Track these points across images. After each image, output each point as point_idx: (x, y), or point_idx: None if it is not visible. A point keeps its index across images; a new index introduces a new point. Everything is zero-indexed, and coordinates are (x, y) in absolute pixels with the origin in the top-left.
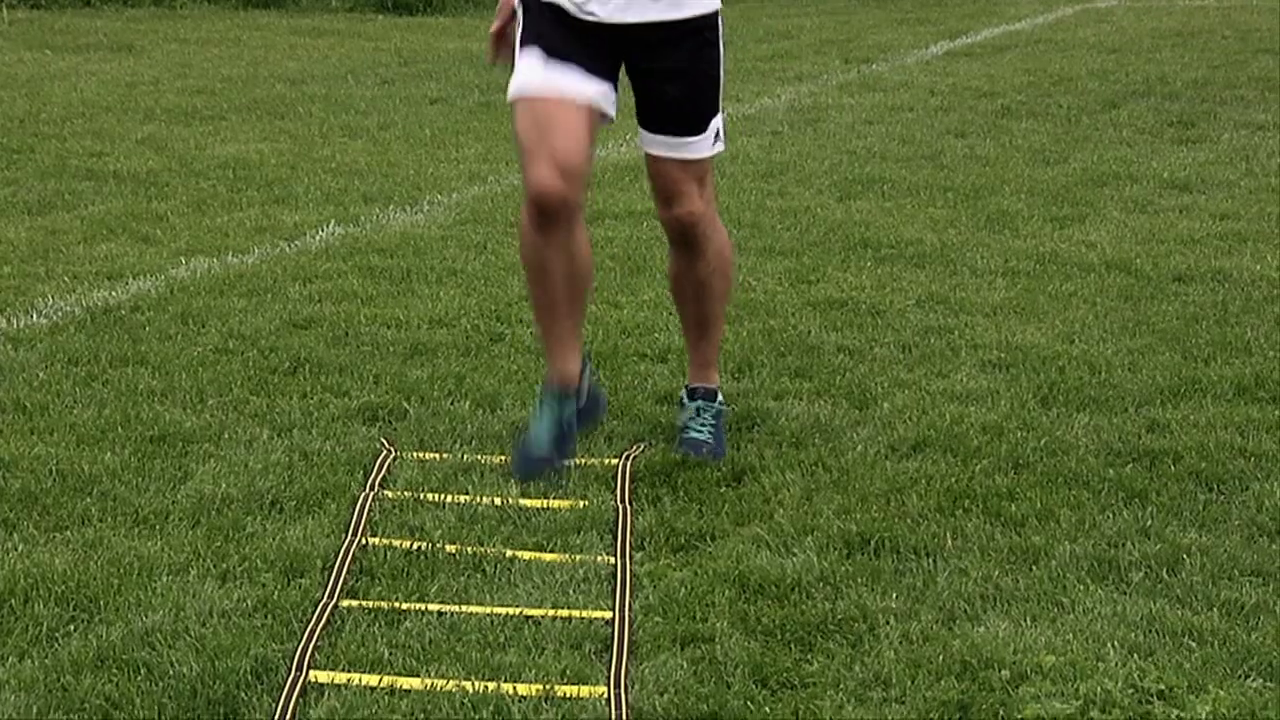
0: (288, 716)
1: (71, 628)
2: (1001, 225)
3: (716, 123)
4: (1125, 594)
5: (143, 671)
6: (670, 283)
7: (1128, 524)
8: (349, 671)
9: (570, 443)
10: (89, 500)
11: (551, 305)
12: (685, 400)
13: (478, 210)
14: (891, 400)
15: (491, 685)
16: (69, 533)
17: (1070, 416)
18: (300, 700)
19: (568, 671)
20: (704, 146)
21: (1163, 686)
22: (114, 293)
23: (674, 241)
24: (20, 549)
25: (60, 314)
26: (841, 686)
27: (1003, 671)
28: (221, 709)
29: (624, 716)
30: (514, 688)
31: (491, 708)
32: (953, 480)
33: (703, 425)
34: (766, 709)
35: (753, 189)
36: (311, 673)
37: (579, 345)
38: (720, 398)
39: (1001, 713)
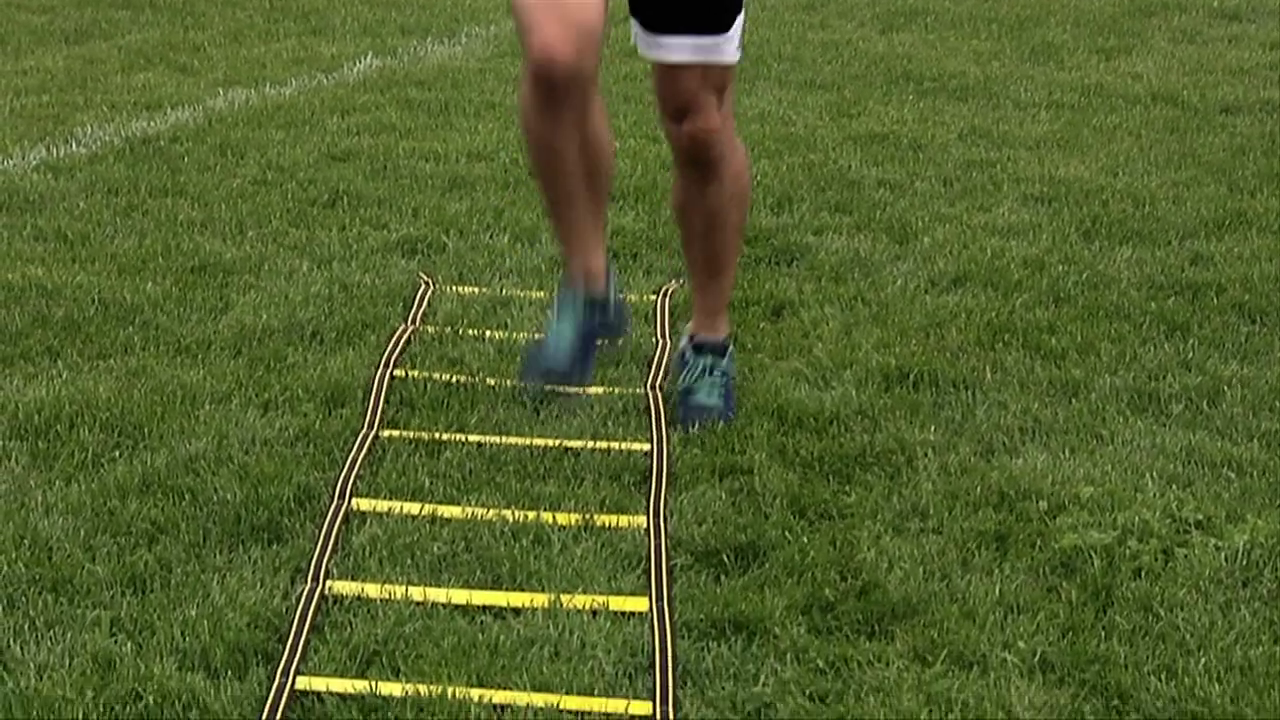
0: (330, 543)
1: (116, 454)
2: (1046, 57)
3: (740, 23)
4: (1165, 426)
5: (187, 497)
6: (675, 213)
7: (1169, 356)
8: (390, 500)
9: (591, 358)
10: (131, 329)
11: (566, 198)
12: (688, 355)
13: (515, 43)
14: (932, 235)
15: (531, 515)
16: (112, 361)
17: (1113, 250)
18: (343, 527)
19: (607, 502)
20: (729, 49)
21: (1201, 516)
22: (152, 123)
23: (683, 163)
24: (65, 376)
25: (99, 144)
26: (879, 517)
27: (1040, 502)
28: (265, 534)
29: (663, 546)
30: (553, 517)
31: (531, 536)
32: (993, 314)
33: (711, 387)
34: (804, 539)
35: (794, 21)
36: (353, 500)
37: (602, 241)
38: (731, 350)
39: (1039, 543)
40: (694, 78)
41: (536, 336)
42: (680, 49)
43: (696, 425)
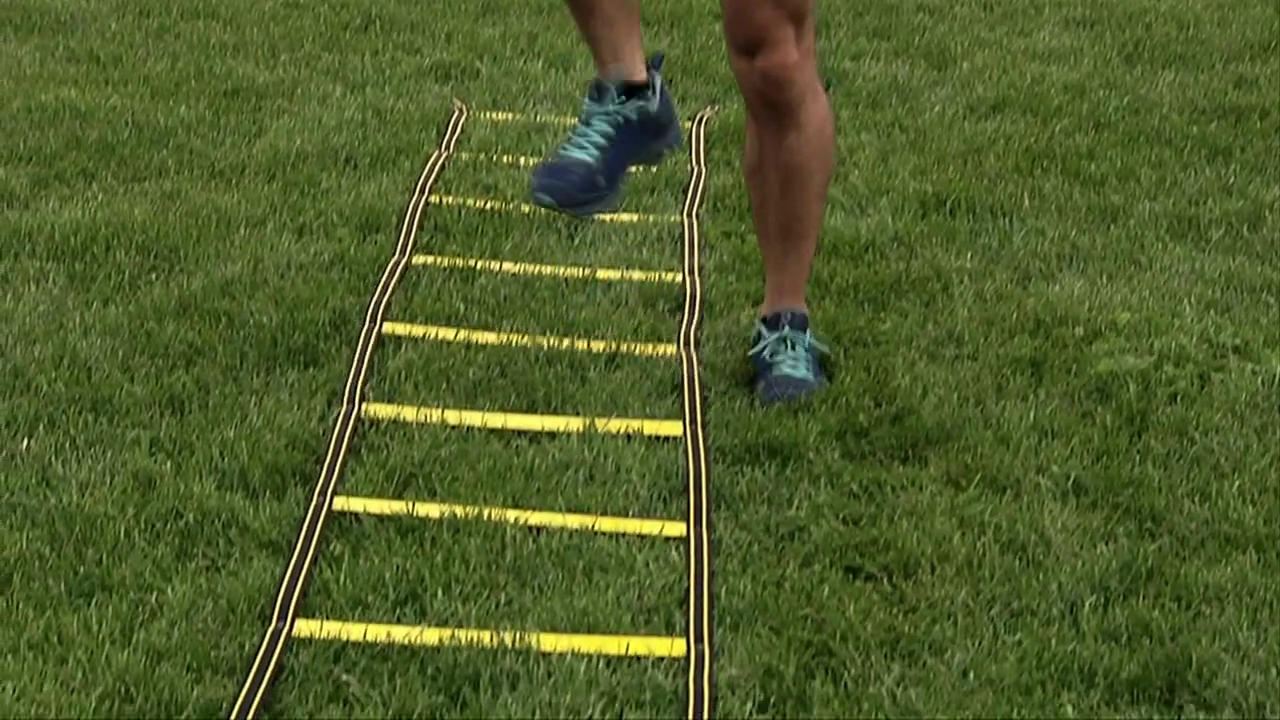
0: (365, 366)
1: (153, 276)
2: None
3: None
4: (1204, 251)
5: (224, 320)
6: (746, 173)
7: (1209, 181)
8: (425, 325)
9: (624, 162)
10: (165, 152)
11: (593, 5)
12: (764, 332)
13: None
14: (971, 60)
15: (565, 341)
16: (147, 184)
17: (1155, 74)
18: (378, 352)
19: (641, 329)
20: None
21: (1238, 341)
22: None
23: (757, 108)
24: (100, 198)
25: None
26: (914, 344)
27: (1076, 329)
28: (301, 358)
29: (696, 372)
30: (588, 344)
31: (566, 362)
32: (1032, 140)
33: (796, 358)
34: (839, 365)
35: None
36: (387, 325)
37: (639, 47)
38: (811, 326)
39: (1074, 369)
40: (766, 5)
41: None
42: None
43: (788, 396)
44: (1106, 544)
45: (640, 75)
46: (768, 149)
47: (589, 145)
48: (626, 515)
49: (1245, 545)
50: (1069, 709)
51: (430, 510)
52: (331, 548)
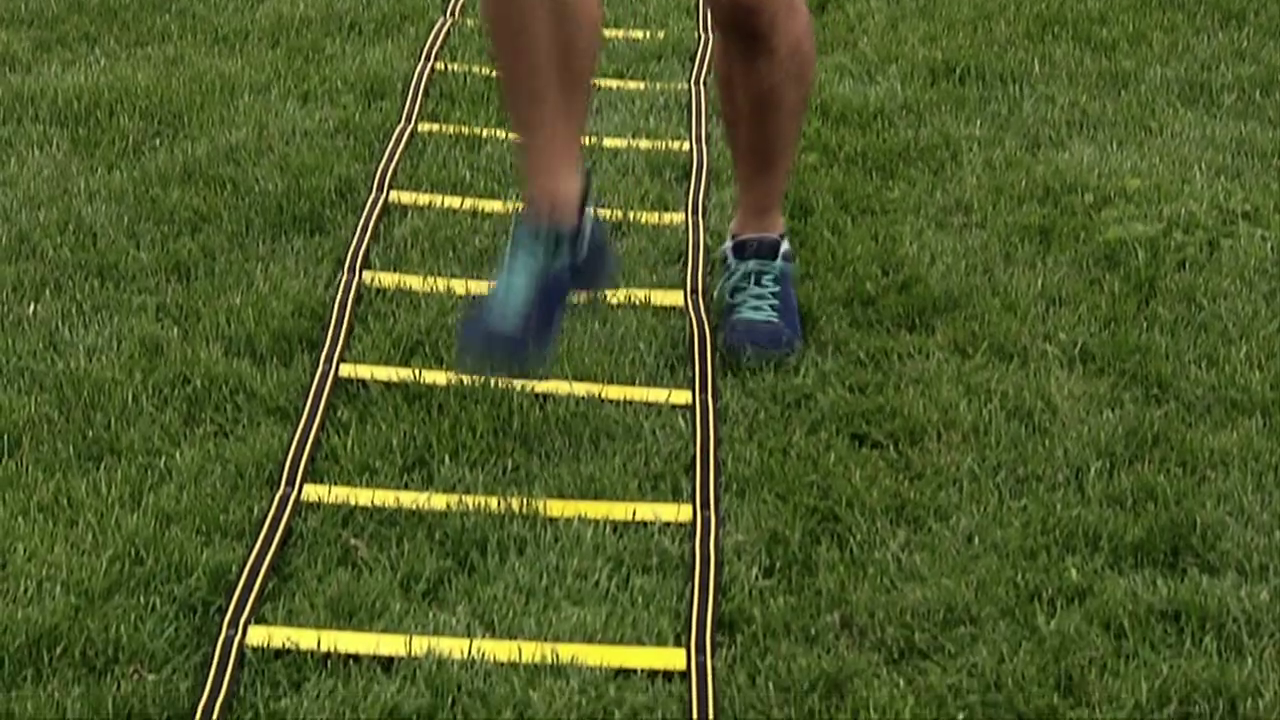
0: (371, 234)
1: (157, 142)
2: None
3: None
4: (1215, 117)
5: (229, 187)
6: (718, 89)
7: (1222, 46)
8: (430, 193)
9: (555, 317)
10: (168, 17)
11: (533, 91)
12: (730, 258)
13: None
14: None
15: None
16: (150, 49)
17: None
18: (384, 219)
19: (647, 197)
20: None
21: (1248, 207)
22: None
23: (725, 27)
24: (103, 63)
25: None
26: (922, 212)
27: (1086, 196)
28: (307, 225)
29: (702, 240)
30: (595, 213)
31: None
32: (1042, 5)
33: (760, 298)
34: (847, 234)
35: None
36: (393, 193)
37: (577, 155)
38: (785, 248)
39: (1083, 236)
40: None
41: (476, 293)
42: None
43: (747, 353)
44: (1113, 410)
45: (570, 219)
46: (740, 69)
47: (516, 287)
48: (633, 383)
49: (1251, 410)
50: (1073, 573)
51: (437, 377)
52: (339, 414)
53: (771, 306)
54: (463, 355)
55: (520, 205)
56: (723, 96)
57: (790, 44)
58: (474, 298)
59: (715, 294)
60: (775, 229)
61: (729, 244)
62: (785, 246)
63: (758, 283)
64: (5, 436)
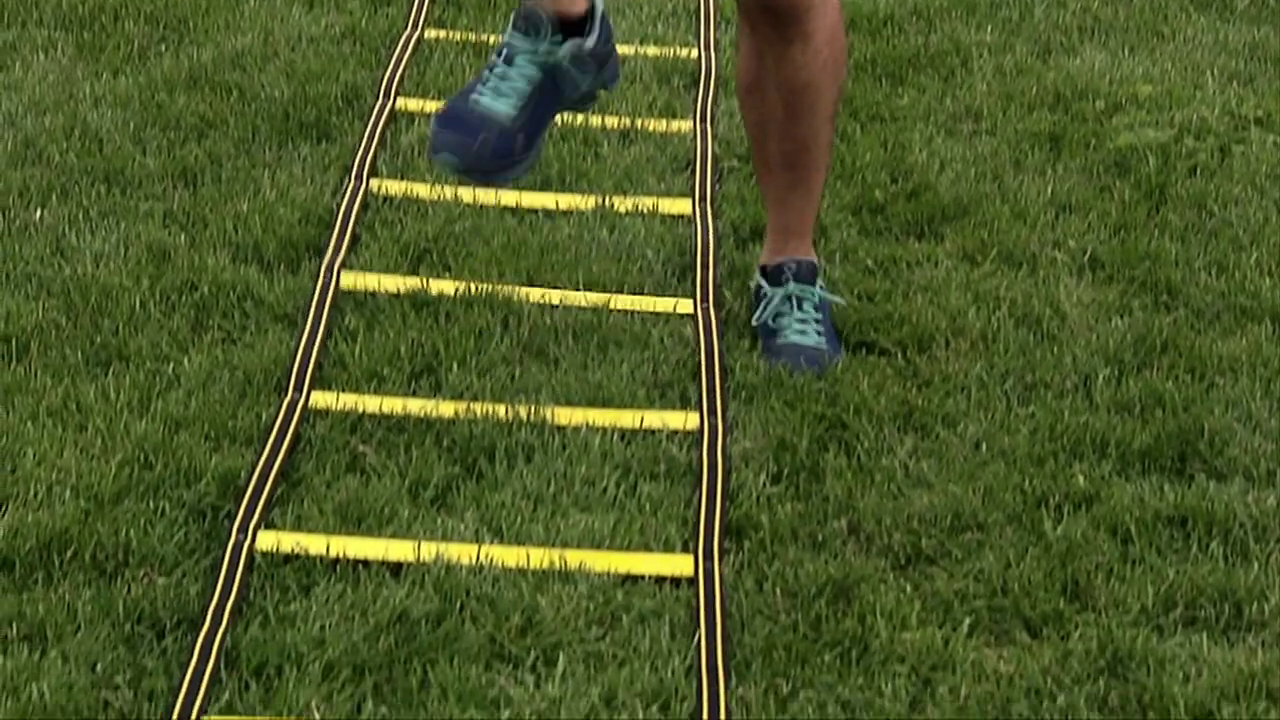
0: (376, 141)
1: (162, 47)
2: None
3: None
4: (1229, 22)
5: (235, 93)
6: (740, 91)
7: None
8: (437, 100)
9: (550, 115)
10: None
11: None
12: (764, 286)
13: None
14: None
15: (579, 117)
16: None
17: None
18: (390, 126)
19: (655, 104)
20: None
21: (1260, 113)
22: None
23: (754, 17)
24: None
25: None
26: (932, 119)
27: (1097, 102)
28: (314, 132)
29: (709, 147)
30: (602, 120)
31: (580, 139)
32: None
33: (804, 322)
34: (856, 142)
35: None
36: (400, 100)
37: None
38: (821, 278)
39: (1093, 143)
40: None
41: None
42: None
43: (798, 367)
44: (1122, 317)
45: (579, 5)
46: (769, 64)
47: (510, 94)
48: (641, 291)
49: (1261, 317)
50: (1080, 479)
51: (445, 286)
52: (347, 321)
53: (818, 332)
54: (436, 146)
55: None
56: (748, 105)
57: (828, 29)
58: (464, 90)
59: (754, 323)
60: (810, 255)
61: (759, 275)
62: (821, 282)
63: (799, 307)
64: (13, 342)
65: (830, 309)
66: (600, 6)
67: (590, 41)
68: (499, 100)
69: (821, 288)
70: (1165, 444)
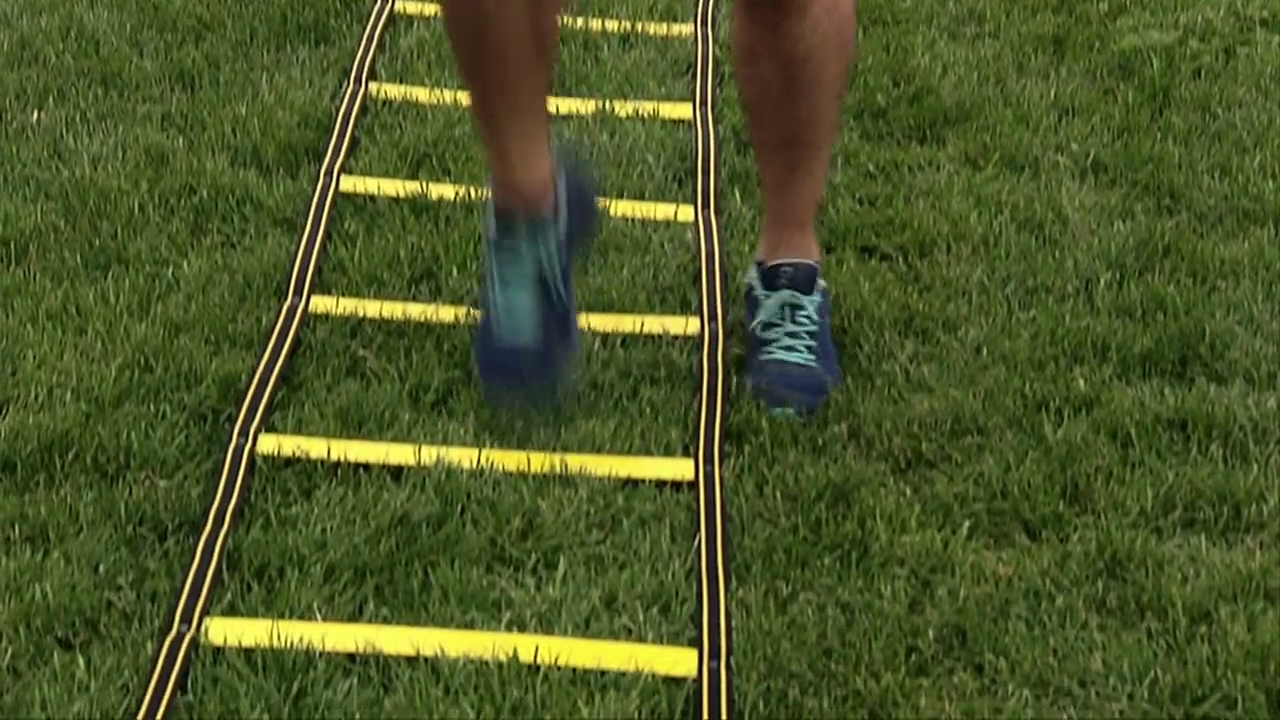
0: (374, 41)
1: None
2: None
3: None
4: None
5: None
6: (737, 60)
7: None
8: (436, 2)
9: (568, 303)
10: None
11: (502, 88)
12: (757, 288)
13: None
14: None
15: (579, 20)
16: None
17: None
18: (389, 30)
19: (656, 6)
20: None
21: (1265, 14)
22: None
23: None
24: None
25: None
26: (935, 22)
27: (1101, 4)
28: (312, 35)
29: (710, 51)
30: (602, 23)
31: (580, 42)
32: None
33: (794, 336)
34: (858, 42)
35: None
36: (399, 2)
37: (547, 136)
38: (822, 283)
39: (1097, 45)
40: None
41: (474, 316)
42: None
43: (786, 407)
44: (1124, 221)
45: (548, 199)
46: (762, 35)
47: (525, 303)
48: (642, 197)
49: (1264, 220)
50: (1080, 383)
51: (444, 190)
52: (346, 226)
53: (807, 347)
54: (492, 392)
55: (487, 203)
56: (743, 75)
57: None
58: (475, 330)
59: (745, 331)
60: (811, 254)
61: (754, 272)
62: (822, 283)
63: (793, 319)
64: (12, 244)
65: (830, 321)
66: (562, 188)
67: (563, 224)
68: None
69: (821, 294)
70: (1166, 347)
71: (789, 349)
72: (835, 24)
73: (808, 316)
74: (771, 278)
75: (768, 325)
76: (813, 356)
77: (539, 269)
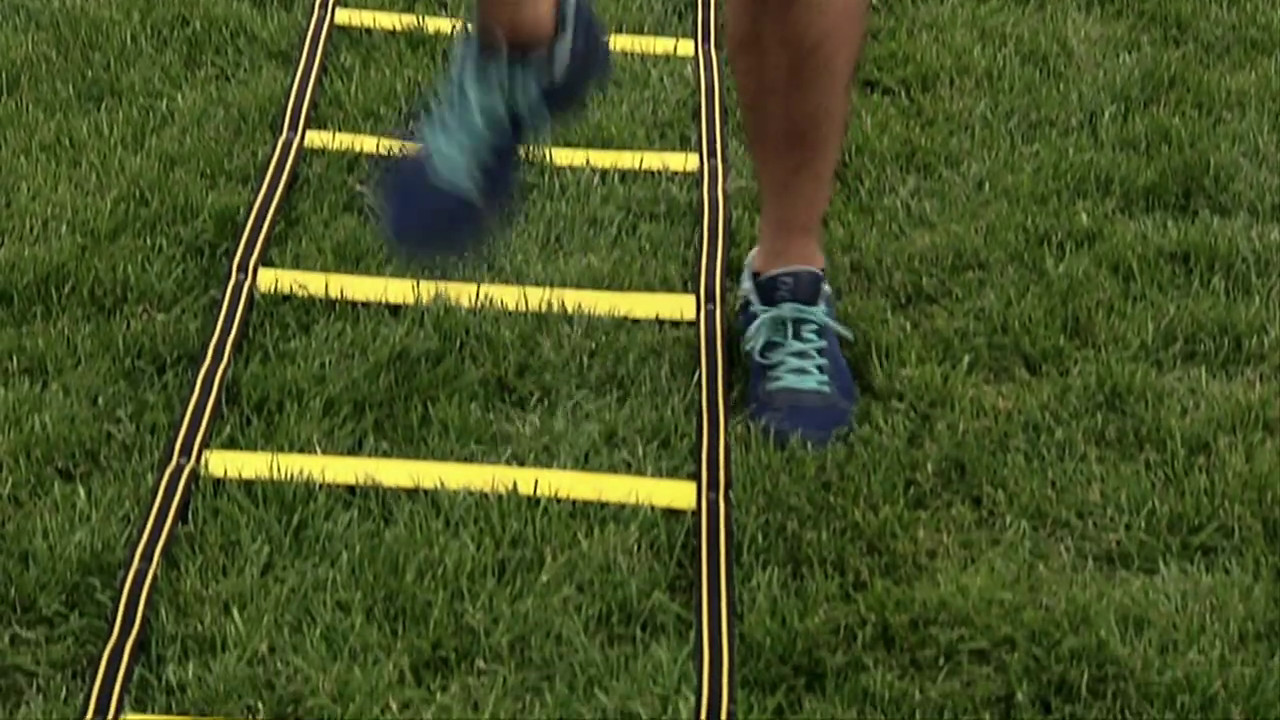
0: None
1: None
2: None
3: None
4: None
5: None
6: (737, 57)
7: None
8: None
9: (509, 176)
10: None
11: None
12: (754, 302)
13: None
14: None
15: None
16: None
17: None
18: None
19: None
20: None
21: None
22: None
23: None
24: None
25: None
26: None
27: None
28: None
29: None
30: None
31: None
32: None
33: (802, 357)
34: None
35: None
36: None
37: None
38: (827, 289)
39: None
40: None
41: (405, 145)
42: None
43: (796, 435)
44: (1129, 53)
45: (545, 28)
46: (766, 20)
47: (461, 137)
48: (641, 31)
49: (1271, 49)
50: (1083, 217)
51: (440, 24)
52: (342, 59)
53: (819, 368)
54: (397, 238)
55: (464, 25)
56: (741, 65)
57: None
58: (395, 157)
59: (741, 348)
60: (814, 260)
61: (749, 283)
62: (827, 288)
63: (797, 335)
64: (3, 75)
65: (836, 337)
66: (570, 10)
67: (561, 64)
68: (452, 151)
69: (827, 304)
70: (1170, 180)
71: (799, 372)
72: (846, 10)
73: (815, 331)
74: (769, 291)
75: (770, 346)
76: (826, 378)
77: (510, 114)
